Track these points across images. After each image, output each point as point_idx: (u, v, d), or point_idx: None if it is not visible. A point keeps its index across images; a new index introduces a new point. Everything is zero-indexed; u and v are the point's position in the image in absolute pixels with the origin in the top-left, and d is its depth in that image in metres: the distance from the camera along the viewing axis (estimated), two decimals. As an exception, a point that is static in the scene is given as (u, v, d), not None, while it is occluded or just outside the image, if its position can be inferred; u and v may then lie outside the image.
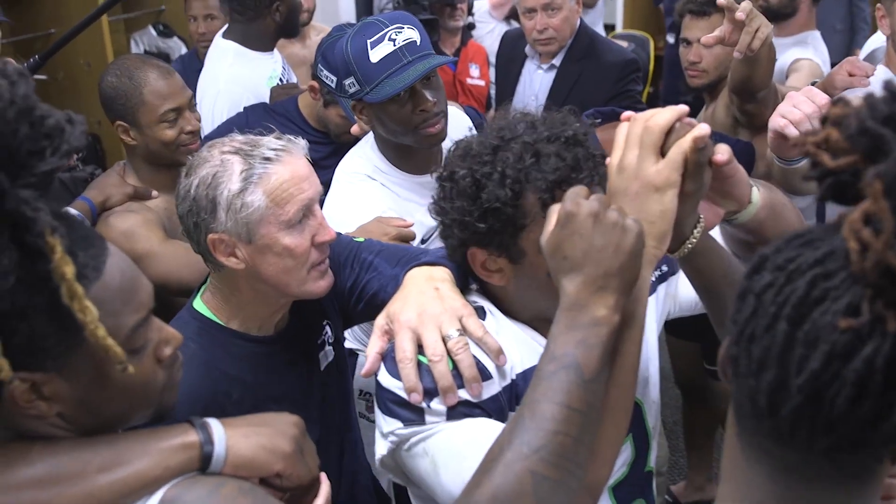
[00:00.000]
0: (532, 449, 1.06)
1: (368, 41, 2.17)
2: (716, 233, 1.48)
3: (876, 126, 0.71)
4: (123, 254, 1.15)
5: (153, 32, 5.13)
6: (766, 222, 1.37)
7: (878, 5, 2.71)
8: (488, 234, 1.42)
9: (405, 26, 2.20)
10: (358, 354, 2.29)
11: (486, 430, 1.30)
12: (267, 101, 3.18)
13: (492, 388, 1.39)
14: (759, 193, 1.37)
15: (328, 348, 1.92)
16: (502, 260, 1.44)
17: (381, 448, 1.42)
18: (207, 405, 1.53)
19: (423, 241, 2.35)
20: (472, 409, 1.36)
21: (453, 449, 1.34)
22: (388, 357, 1.44)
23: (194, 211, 1.64)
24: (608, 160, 1.23)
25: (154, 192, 2.44)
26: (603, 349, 1.12)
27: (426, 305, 1.46)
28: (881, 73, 2.71)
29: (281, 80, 3.38)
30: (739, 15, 2.30)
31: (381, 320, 1.51)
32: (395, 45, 2.17)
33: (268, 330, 1.79)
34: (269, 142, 1.69)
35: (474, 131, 2.59)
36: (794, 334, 0.73)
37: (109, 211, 2.37)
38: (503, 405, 1.40)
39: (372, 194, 2.30)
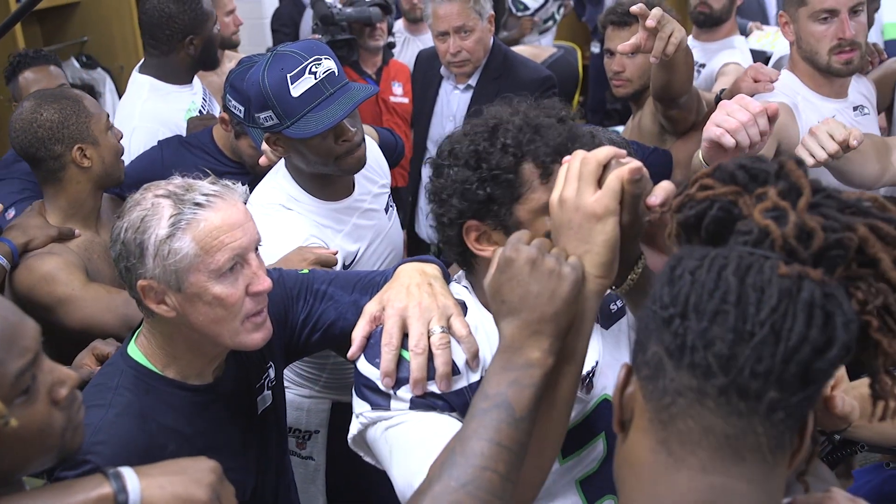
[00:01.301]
0: (460, 483, 1.09)
1: (288, 75, 2.14)
2: None
3: (744, 168, 0.95)
4: (2, 298, 1.12)
5: (76, 64, 5.05)
6: None
7: (781, 13, 2.79)
8: (487, 202, 1.47)
9: (322, 57, 2.19)
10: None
11: (440, 431, 1.38)
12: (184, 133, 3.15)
13: (459, 383, 1.47)
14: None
15: (266, 392, 1.88)
16: (497, 234, 1.49)
17: (353, 427, 1.51)
18: (143, 458, 1.47)
19: (344, 267, 2.37)
20: (436, 401, 1.45)
21: (406, 444, 1.41)
22: (369, 344, 1.53)
23: (123, 255, 1.60)
24: (550, 198, 1.25)
25: (77, 231, 2.41)
26: (535, 390, 1.15)
27: (420, 297, 1.53)
28: (785, 78, 2.79)
29: (201, 111, 3.35)
30: (650, 22, 2.34)
31: (372, 306, 1.56)
32: (315, 79, 2.15)
33: (206, 377, 1.74)
34: (203, 186, 1.63)
35: (382, 161, 2.62)
36: (743, 284, 0.85)
37: (30, 253, 2.32)
38: (468, 400, 1.44)
39: (291, 224, 2.29)
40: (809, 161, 2.12)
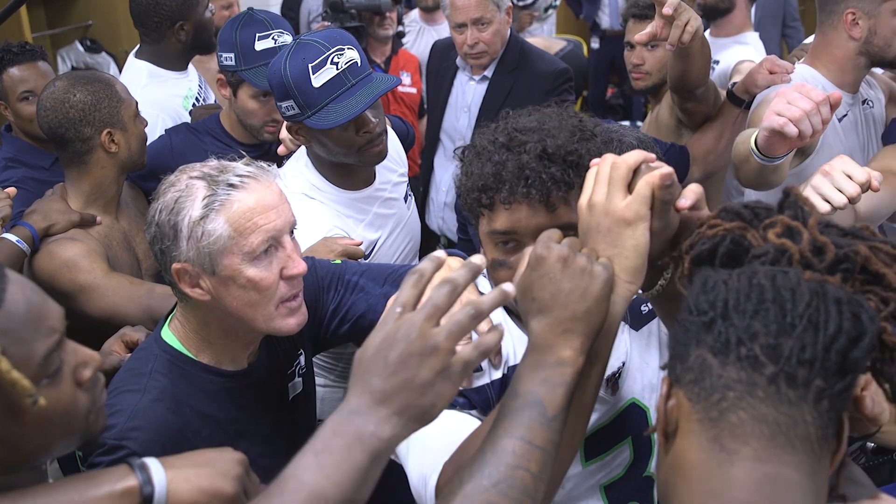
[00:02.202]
0: (492, 482, 1.07)
1: (310, 65, 2.13)
2: None
3: (748, 207, 1.04)
4: (26, 279, 1.11)
5: (80, 48, 5.02)
6: None
7: (852, 9, 2.76)
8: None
9: (345, 47, 2.18)
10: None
11: (458, 428, 1.36)
12: (186, 121, 3.13)
13: (481, 380, 1.46)
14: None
15: (297, 379, 1.87)
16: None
17: None
18: (177, 442, 1.48)
19: (365, 257, 2.36)
20: (456, 398, 1.42)
21: (423, 440, 1.38)
22: None
23: (158, 237, 1.58)
24: (578, 201, 1.24)
25: (98, 218, 2.40)
26: (566, 389, 1.13)
27: None
28: (802, 71, 2.79)
29: (198, 98, 3.34)
30: (666, 10, 2.34)
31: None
32: (337, 69, 2.15)
33: (240, 363, 1.72)
34: (238, 168, 1.61)
35: (401, 150, 2.61)
36: (775, 286, 0.91)
37: (51, 237, 2.30)
38: (490, 397, 1.45)
39: (315, 214, 2.28)
40: (824, 208, 1.86)
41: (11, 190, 2.36)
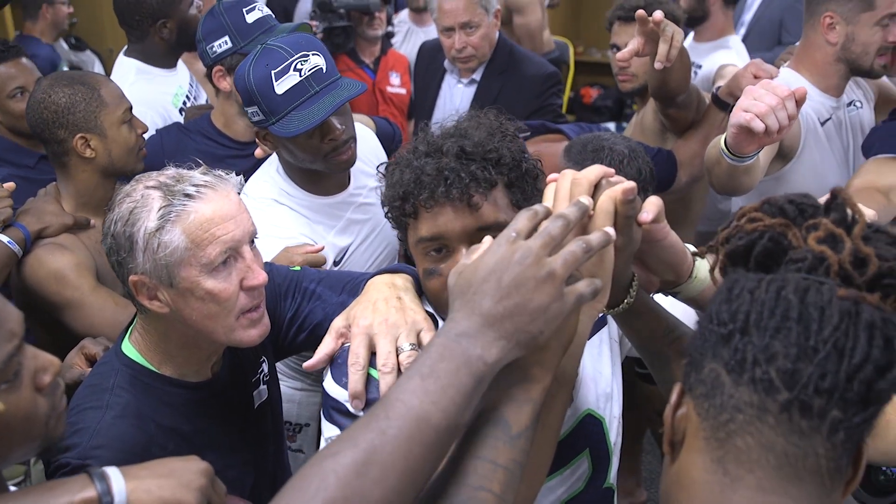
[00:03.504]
0: None
1: (272, 71, 2.11)
2: None
3: (793, 202, 0.96)
4: None
5: (65, 46, 4.99)
6: None
7: (830, 13, 2.75)
8: None
9: (310, 53, 2.15)
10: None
11: None
12: (175, 120, 3.11)
13: None
14: (708, 271, 1.35)
15: (262, 387, 1.85)
16: None
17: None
18: (142, 459, 1.43)
19: (335, 263, 2.34)
20: None
21: None
22: (335, 363, 1.47)
23: (114, 249, 1.56)
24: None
25: (92, 221, 2.37)
26: (532, 406, 1.09)
27: (387, 314, 1.47)
28: (786, 75, 2.79)
29: (188, 96, 3.32)
30: (651, 26, 2.34)
31: (339, 322, 1.52)
32: (301, 76, 2.12)
33: (204, 374, 1.70)
34: (194, 177, 1.58)
35: (380, 153, 2.58)
36: (803, 303, 0.84)
37: (42, 240, 2.27)
38: None
39: (281, 220, 2.26)
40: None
41: (10, 185, 2.33)
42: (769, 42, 4.85)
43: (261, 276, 1.60)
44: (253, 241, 1.63)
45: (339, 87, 2.17)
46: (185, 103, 3.29)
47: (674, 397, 0.95)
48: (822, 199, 0.97)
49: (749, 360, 0.85)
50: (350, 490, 0.92)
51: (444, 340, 1.01)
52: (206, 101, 3.43)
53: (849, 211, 0.94)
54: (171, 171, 1.60)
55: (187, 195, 1.53)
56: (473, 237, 1.38)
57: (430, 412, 0.97)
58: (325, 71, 2.16)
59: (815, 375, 0.82)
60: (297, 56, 2.13)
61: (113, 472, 1.18)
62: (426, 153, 1.43)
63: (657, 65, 2.44)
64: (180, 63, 3.39)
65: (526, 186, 1.45)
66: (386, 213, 1.51)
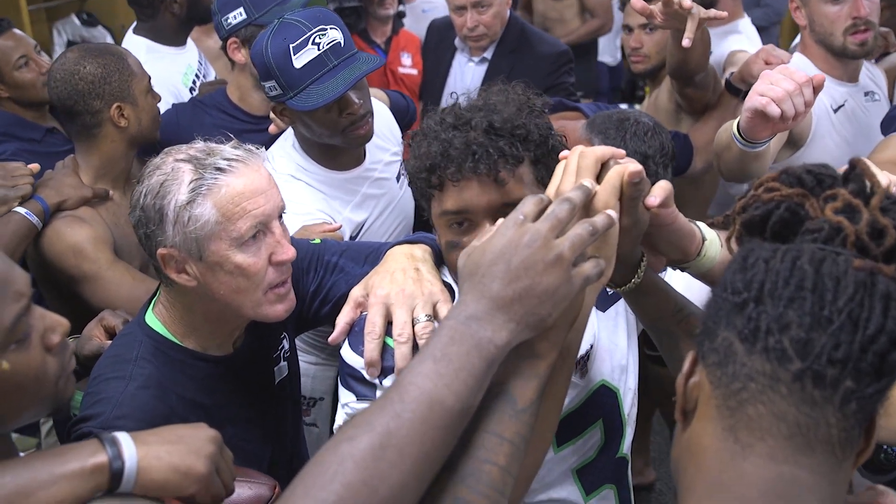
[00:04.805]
0: (460, 476, 1.04)
1: (291, 45, 2.11)
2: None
3: (811, 172, 0.96)
4: None
5: (77, 21, 4.99)
6: None
7: None
8: None
9: (328, 27, 2.15)
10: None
11: None
12: (185, 99, 3.10)
13: None
14: (719, 250, 1.36)
15: (283, 363, 1.85)
16: None
17: (338, 418, 1.48)
18: None
19: (352, 238, 2.35)
20: None
21: None
22: (353, 331, 1.49)
23: (143, 221, 1.56)
24: (546, 192, 1.21)
25: (110, 193, 2.38)
26: (539, 381, 1.11)
27: (404, 284, 1.49)
28: (797, 61, 2.78)
29: (198, 74, 3.31)
30: (685, 4, 2.34)
31: (357, 291, 1.53)
32: (319, 50, 2.12)
33: (226, 348, 1.70)
34: (225, 151, 1.57)
35: (395, 127, 2.57)
36: (819, 273, 0.84)
37: (61, 213, 2.28)
38: None
39: (299, 196, 2.26)
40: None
41: (35, 166, 2.34)
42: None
43: (290, 251, 1.61)
44: (281, 216, 1.63)
45: (357, 62, 2.17)
46: (194, 82, 3.29)
47: (686, 365, 0.95)
48: (841, 170, 0.97)
49: (763, 329, 0.85)
50: (368, 473, 0.93)
51: (455, 324, 1.02)
52: (216, 78, 3.42)
53: (867, 182, 0.94)
54: (200, 144, 1.60)
55: (219, 168, 1.53)
56: (498, 212, 1.38)
57: (443, 395, 0.98)
58: (342, 45, 2.16)
59: (829, 345, 0.82)
60: (315, 30, 2.13)
61: (124, 438, 1.18)
62: (454, 125, 1.43)
63: (685, 41, 2.42)
64: (189, 41, 3.39)
65: (551, 163, 1.44)
66: (409, 182, 1.52)
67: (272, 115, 2.45)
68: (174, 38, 3.29)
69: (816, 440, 0.84)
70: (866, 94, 2.88)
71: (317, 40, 2.13)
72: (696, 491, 0.91)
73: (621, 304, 1.68)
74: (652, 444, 3.67)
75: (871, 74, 2.97)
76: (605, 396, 1.63)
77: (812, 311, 0.83)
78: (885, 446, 1.75)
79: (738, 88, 2.81)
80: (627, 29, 3.30)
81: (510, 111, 1.43)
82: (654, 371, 3.28)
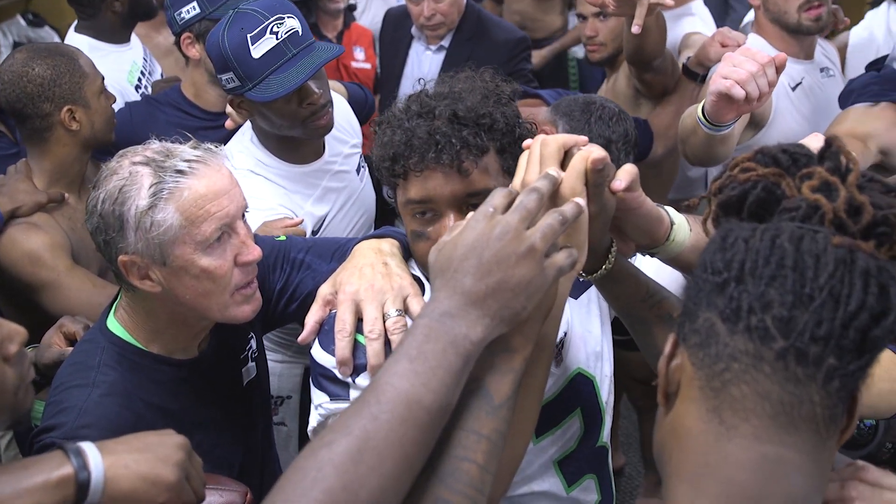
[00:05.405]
0: (438, 476, 1.02)
1: (248, 35, 2.07)
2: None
3: (786, 151, 0.95)
4: None
5: (22, 22, 4.89)
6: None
7: None
8: None
9: (285, 16, 2.12)
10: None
11: None
12: (131, 97, 3.05)
13: None
14: (688, 233, 1.35)
15: (251, 364, 1.82)
16: None
17: (312, 419, 1.45)
18: None
19: (314, 232, 2.32)
20: None
21: None
22: (322, 330, 1.46)
23: (101, 228, 1.51)
24: (513, 183, 1.20)
25: (66, 196, 2.32)
26: (514, 376, 1.09)
27: (373, 279, 1.46)
28: (753, 42, 2.80)
29: (143, 71, 3.26)
30: None
31: (325, 289, 1.51)
32: (277, 39, 2.09)
33: (191, 352, 1.67)
34: (184, 152, 1.53)
35: (353, 120, 2.55)
36: (798, 251, 0.84)
37: (15, 220, 2.21)
38: None
39: (259, 191, 2.22)
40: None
41: None
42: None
43: (255, 252, 1.58)
44: (244, 216, 1.60)
45: (316, 50, 2.14)
46: (139, 79, 3.23)
47: (668, 348, 0.94)
48: (815, 148, 0.97)
49: (744, 309, 0.84)
50: (347, 478, 0.91)
51: (429, 321, 1.01)
52: (162, 75, 3.37)
53: (843, 159, 0.93)
54: (156, 145, 1.55)
55: (179, 171, 1.50)
56: (462, 202, 1.38)
57: (420, 394, 0.97)
58: (300, 34, 2.13)
59: (811, 323, 0.82)
60: (272, 19, 2.10)
61: (89, 448, 1.15)
62: (418, 114, 1.41)
63: (634, 28, 2.43)
64: (134, 37, 3.32)
65: (518, 152, 1.44)
66: (374, 170, 1.49)
67: (229, 109, 2.41)
68: (117, 35, 3.22)
69: (800, 419, 0.84)
70: (822, 69, 2.91)
71: (274, 29, 2.09)
72: (681, 474, 0.90)
73: (593, 291, 1.67)
74: (619, 428, 3.68)
75: (825, 51, 3.00)
76: (582, 384, 1.62)
77: (793, 289, 0.83)
78: (860, 421, 1.76)
79: (696, 73, 2.82)
80: (581, 17, 3.29)
81: (475, 99, 1.41)
82: (620, 355, 3.27)
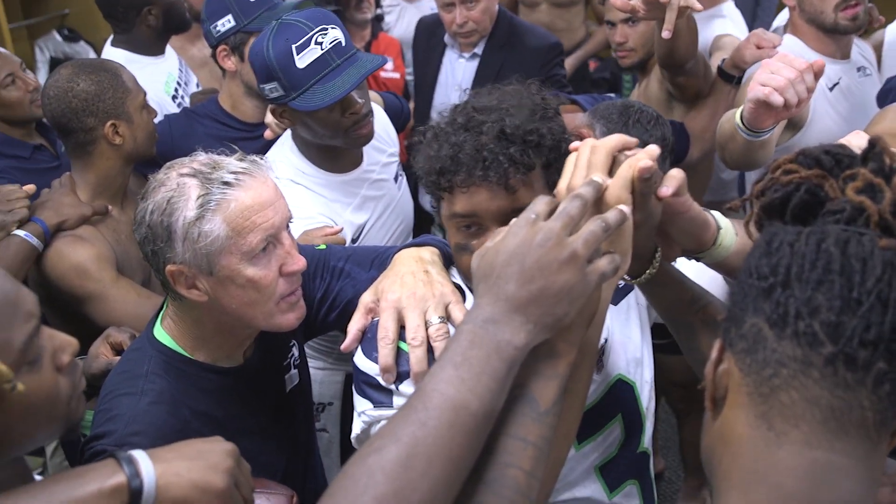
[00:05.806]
0: (484, 482, 1.02)
1: (293, 45, 2.09)
2: None
3: (829, 153, 0.94)
4: None
5: (58, 37, 4.94)
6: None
7: None
8: None
9: (329, 27, 2.14)
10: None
11: None
12: (168, 108, 3.09)
13: None
14: (734, 238, 1.34)
15: (293, 371, 1.84)
16: None
17: (355, 427, 1.45)
18: None
19: (353, 241, 2.33)
20: None
21: None
22: (365, 337, 1.47)
23: (150, 239, 1.53)
24: (557, 187, 1.20)
25: (109, 209, 2.35)
26: (559, 382, 1.09)
27: (415, 287, 1.47)
28: (789, 42, 2.78)
29: (179, 82, 3.30)
30: None
31: (367, 297, 1.51)
32: (322, 49, 2.10)
33: (237, 360, 1.69)
34: (231, 164, 1.55)
35: (391, 129, 2.56)
36: (845, 254, 0.82)
37: (61, 233, 2.25)
38: None
39: (300, 201, 2.22)
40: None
41: (30, 187, 2.31)
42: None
43: (300, 262, 1.59)
44: (289, 226, 1.62)
45: (359, 61, 2.16)
46: (176, 90, 3.27)
47: (714, 353, 0.93)
48: (857, 146, 0.96)
49: (791, 314, 0.83)
50: (398, 484, 0.92)
51: (472, 327, 1.01)
52: (198, 85, 3.42)
53: (887, 160, 0.92)
54: (203, 157, 1.57)
55: (226, 183, 1.51)
56: (507, 218, 1.34)
57: (467, 400, 0.97)
58: (344, 45, 2.15)
59: (860, 327, 0.80)
60: (317, 30, 2.12)
61: (141, 456, 1.17)
62: (465, 127, 1.40)
63: (665, 33, 2.42)
64: (169, 49, 3.37)
65: (563, 167, 1.45)
66: (419, 180, 1.49)
67: (268, 119, 2.43)
68: (153, 48, 3.26)
69: (851, 424, 0.82)
70: (858, 69, 2.89)
71: (319, 40, 2.11)
72: (731, 480, 0.90)
73: (632, 298, 1.66)
74: (658, 432, 3.66)
75: (861, 49, 2.97)
76: (623, 391, 1.61)
77: (841, 294, 0.81)
78: None
79: (731, 75, 2.80)
80: (610, 24, 3.26)
81: (523, 115, 1.39)
82: (658, 359, 3.25)
